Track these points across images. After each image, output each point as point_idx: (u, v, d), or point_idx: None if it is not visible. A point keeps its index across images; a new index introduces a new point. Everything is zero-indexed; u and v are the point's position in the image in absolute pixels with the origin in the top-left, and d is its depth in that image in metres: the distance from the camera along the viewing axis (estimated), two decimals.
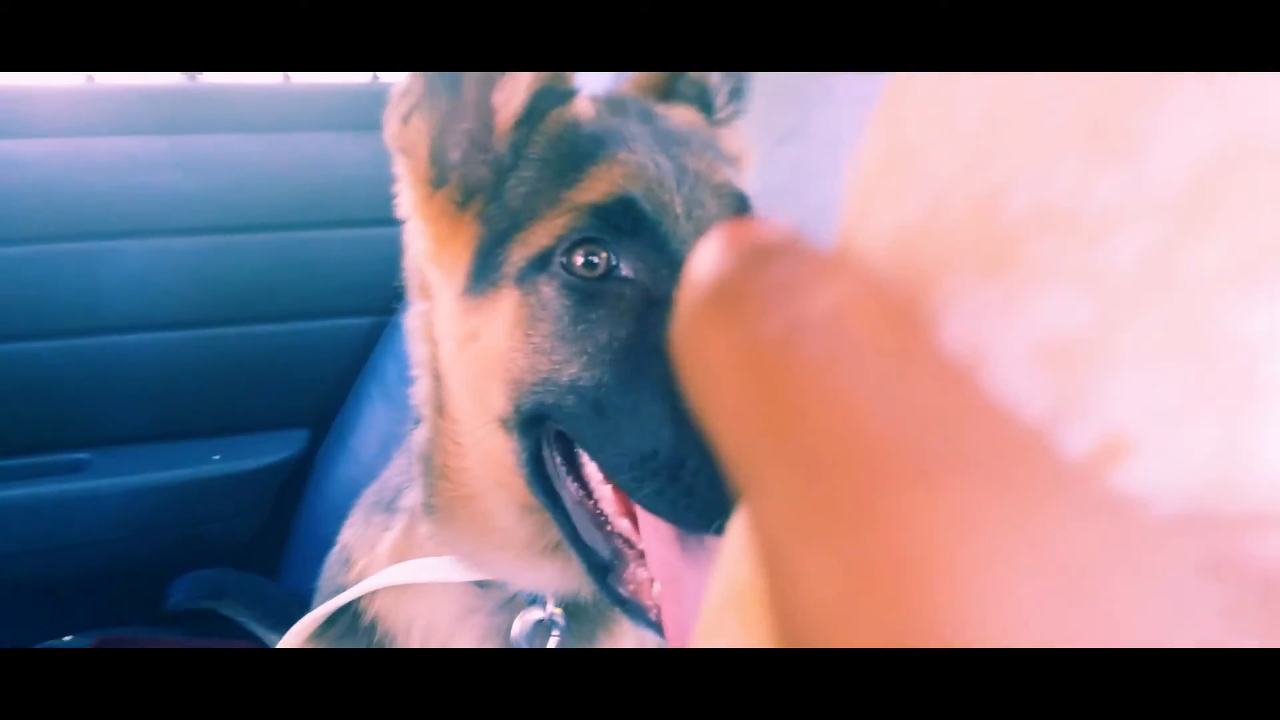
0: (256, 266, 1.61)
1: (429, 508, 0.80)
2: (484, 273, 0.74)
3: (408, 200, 0.81)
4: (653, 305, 0.67)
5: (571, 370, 0.69)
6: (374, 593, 0.84)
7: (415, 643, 0.81)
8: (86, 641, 1.40)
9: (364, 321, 1.73)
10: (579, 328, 0.69)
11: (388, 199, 1.64)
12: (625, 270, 0.69)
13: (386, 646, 0.82)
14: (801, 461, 0.16)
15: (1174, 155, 0.16)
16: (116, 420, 1.60)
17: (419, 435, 0.82)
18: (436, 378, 0.80)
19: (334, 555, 0.92)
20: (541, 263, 0.71)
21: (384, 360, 1.68)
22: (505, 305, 0.72)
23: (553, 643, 0.77)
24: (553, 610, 0.78)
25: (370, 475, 1.61)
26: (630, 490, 0.65)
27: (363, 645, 0.83)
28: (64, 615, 1.54)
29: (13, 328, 1.48)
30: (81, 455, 1.56)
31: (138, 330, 1.56)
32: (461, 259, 0.76)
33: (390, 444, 1.61)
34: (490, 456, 0.75)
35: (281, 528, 1.72)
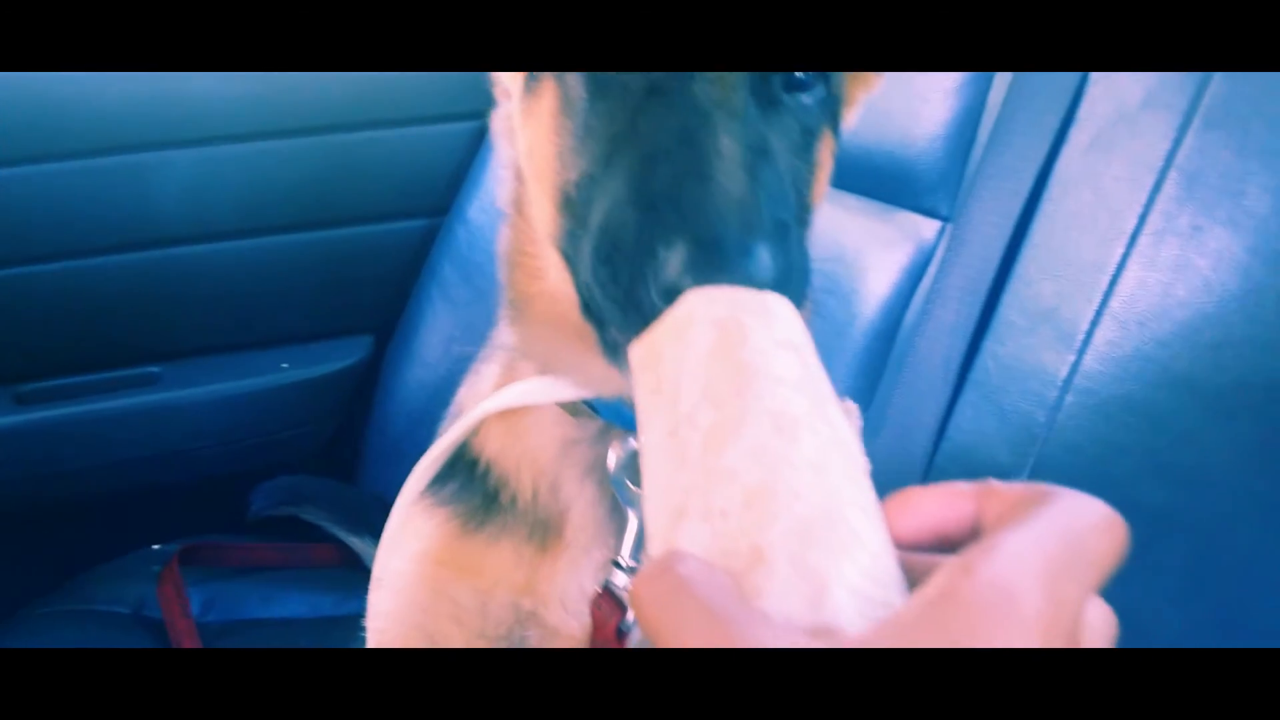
0: (308, 172, 1.60)
1: (509, 304, 0.80)
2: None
3: None
4: (655, 91, 0.62)
5: (572, 175, 0.66)
6: (485, 440, 0.84)
7: (526, 483, 0.82)
8: (173, 549, 1.43)
9: (419, 224, 1.73)
10: (591, 122, 0.65)
11: (433, 95, 1.63)
12: None
13: (508, 495, 0.83)
14: None
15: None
16: (184, 333, 1.62)
17: (503, 236, 0.81)
18: (519, 178, 0.78)
19: (449, 415, 0.93)
20: None
21: (442, 262, 1.68)
22: (545, 104, 0.69)
23: None
24: None
25: (436, 376, 1.63)
26: (582, 286, 0.62)
27: (481, 493, 0.84)
28: (150, 525, 1.58)
29: (76, 244, 1.49)
30: (153, 369, 1.59)
31: (197, 242, 1.57)
32: None
33: (453, 344, 1.63)
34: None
35: (355, 433, 1.75)
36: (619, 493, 0.78)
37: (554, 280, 0.75)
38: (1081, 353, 1.01)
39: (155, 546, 1.51)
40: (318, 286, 1.69)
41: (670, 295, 0.52)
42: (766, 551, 0.39)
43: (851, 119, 0.81)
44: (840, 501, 0.41)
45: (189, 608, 1.36)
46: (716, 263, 0.52)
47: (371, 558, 1.50)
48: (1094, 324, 1.01)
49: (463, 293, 1.66)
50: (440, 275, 1.68)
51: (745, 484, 0.41)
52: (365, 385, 1.74)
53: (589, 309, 0.62)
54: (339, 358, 1.70)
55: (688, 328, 0.48)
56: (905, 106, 1.24)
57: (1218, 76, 0.96)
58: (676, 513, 0.43)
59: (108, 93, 1.44)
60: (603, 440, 0.80)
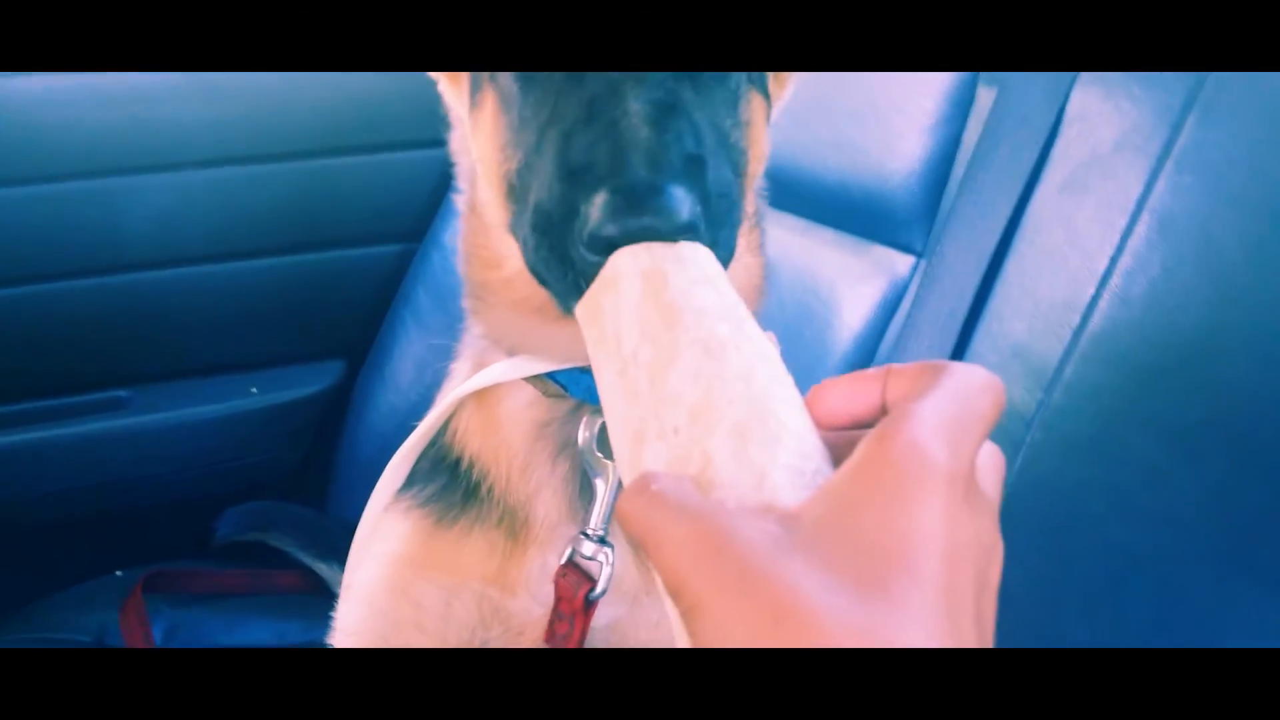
0: (279, 197, 1.59)
1: (468, 287, 0.85)
2: (475, 84, 0.77)
3: None
4: (569, 78, 0.67)
5: (513, 165, 0.70)
6: (465, 439, 0.86)
7: (503, 471, 0.84)
8: (137, 575, 1.41)
9: (393, 249, 1.72)
10: (524, 113, 0.70)
11: (408, 120, 1.63)
12: None
13: (486, 486, 0.84)
14: None
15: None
16: (153, 357, 1.61)
17: (460, 233, 0.86)
18: (471, 184, 0.83)
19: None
20: None
21: (415, 287, 1.68)
22: (487, 108, 0.74)
23: None
24: None
25: (408, 402, 1.62)
26: (527, 256, 0.67)
27: (462, 489, 0.85)
28: (115, 551, 1.56)
29: (43, 268, 1.48)
30: (120, 393, 1.57)
31: (167, 266, 1.56)
32: (463, 81, 0.79)
33: (426, 369, 1.62)
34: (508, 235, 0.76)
35: (325, 458, 1.73)
36: (586, 463, 0.80)
37: (510, 266, 0.79)
38: (1051, 391, 1.01)
39: (119, 573, 1.49)
40: (289, 311, 1.67)
41: (595, 245, 0.57)
42: (714, 454, 0.47)
43: (786, 93, 0.85)
44: (768, 400, 0.49)
45: (151, 636, 1.34)
46: (630, 204, 0.57)
47: (338, 584, 1.49)
48: (1064, 362, 1.01)
49: (436, 318, 1.65)
50: (414, 300, 1.67)
51: (688, 403, 0.49)
52: (336, 410, 1.73)
53: (540, 279, 0.67)
54: (310, 382, 1.69)
55: (617, 282, 0.55)
56: (881, 142, 1.25)
57: (1191, 120, 0.97)
58: (637, 438, 0.50)
59: (79, 117, 1.43)
60: (574, 420, 0.82)
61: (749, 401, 0.48)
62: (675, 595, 0.42)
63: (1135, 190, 0.99)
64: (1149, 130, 1.00)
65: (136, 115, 1.46)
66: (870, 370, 0.49)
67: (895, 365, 0.49)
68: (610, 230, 0.56)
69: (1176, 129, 0.98)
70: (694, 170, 0.61)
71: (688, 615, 0.41)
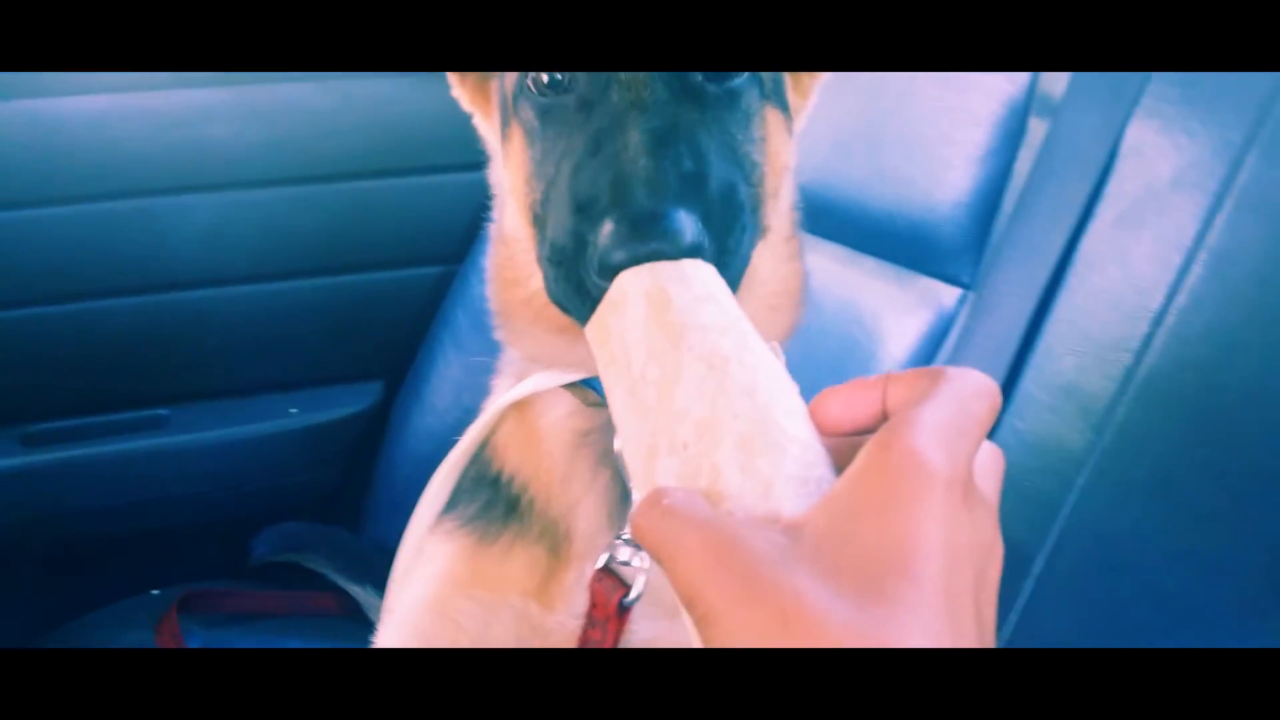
0: (322, 218, 1.60)
1: (499, 316, 0.86)
2: (504, 118, 0.79)
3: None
4: (584, 106, 0.70)
5: (537, 196, 0.73)
6: (505, 455, 0.87)
7: (543, 483, 0.85)
8: (173, 595, 1.41)
9: (433, 271, 1.72)
10: (545, 146, 0.73)
11: (451, 144, 1.63)
12: (573, 81, 0.73)
13: (526, 500, 0.85)
14: None
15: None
16: (193, 376, 1.62)
17: (489, 259, 0.88)
18: (501, 213, 0.87)
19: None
20: (520, 88, 0.75)
21: (454, 309, 1.68)
22: (515, 141, 0.77)
23: None
24: None
25: (445, 425, 1.62)
26: (548, 287, 0.70)
27: (503, 504, 0.85)
28: (151, 569, 1.56)
29: (87, 287, 1.49)
30: (161, 411, 1.59)
31: (209, 286, 1.57)
32: (494, 115, 0.83)
33: (463, 392, 1.62)
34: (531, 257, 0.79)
35: (361, 480, 1.73)
36: (624, 469, 0.79)
37: (534, 287, 0.81)
38: (1102, 431, 0.99)
39: (154, 592, 1.49)
40: (330, 331, 1.68)
41: (605, 272, 0.59)
42: (721, 467, 0.49)
43: (808, 102, 0.85)
44: (771, 412, 0.50)
45: None
46: (635, 231, 0.60)
47: (372, 607, 1.48)
48: (1116, 402, 0.99)
49: (475, 340, 1.65)
50: (453, 323, 1.67)
51: (695, 418, 0.50)
52: (374, 432, 1.73)
53: (562, 308, 0.70)
54: (348, 404, 1.70)
55: (623, 303, 0.57)
56: (929, 172, 1.23)
57: (1251, 157, 0.95)
58: (649, 454, 0.52)
59: (124, 138, 1.45)
60: (613, 428, 0.81)
61: (753, 414, 0.50)
62: (689, 605, 0.44)
63: (1192, 228, 0.97)
64: (1207, 166, 0.97)
65: (181, 137, 1.47)
66: (870, 378, 0.51)
67: (894, 373, 0.50)
68: (619, 257, 0.59)
69: (1236, 166, 0.96)
70: (694, 188, 0.64)
71: (701, 624, 0.43)
